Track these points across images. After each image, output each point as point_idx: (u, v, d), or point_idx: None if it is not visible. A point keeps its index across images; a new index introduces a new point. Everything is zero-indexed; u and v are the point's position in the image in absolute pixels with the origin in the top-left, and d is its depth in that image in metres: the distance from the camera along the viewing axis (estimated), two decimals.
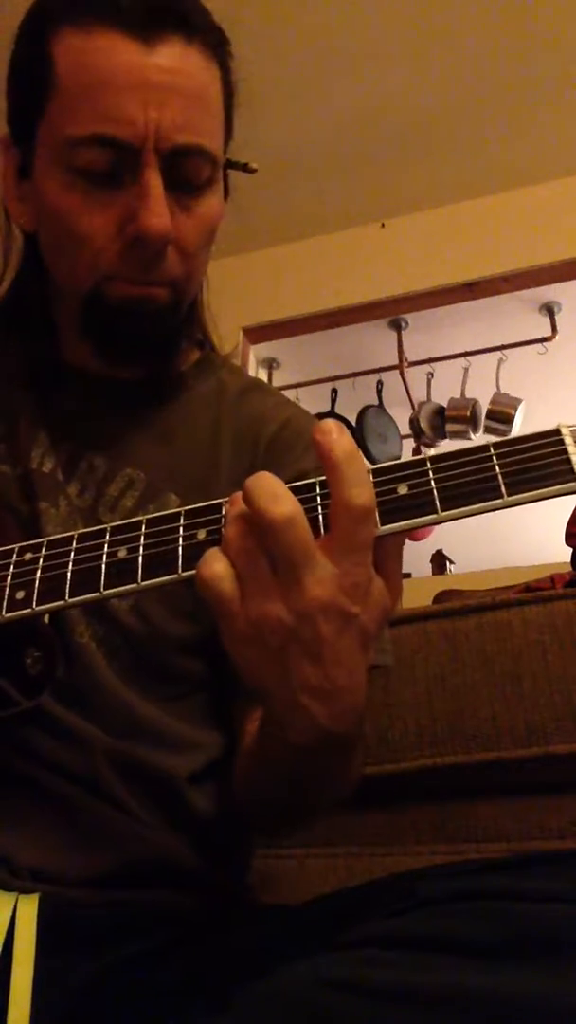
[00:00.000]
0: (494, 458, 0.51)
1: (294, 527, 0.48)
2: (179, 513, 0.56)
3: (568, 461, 0.50)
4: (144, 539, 0.56)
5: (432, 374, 3.54)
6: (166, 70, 0.69)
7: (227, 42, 0.76)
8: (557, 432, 0.51)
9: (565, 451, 0.50)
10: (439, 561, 3.82)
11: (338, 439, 0.49)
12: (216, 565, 0.50)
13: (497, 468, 0.51)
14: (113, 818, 0.70)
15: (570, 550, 1.83)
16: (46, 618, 0.66)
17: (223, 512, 0.54)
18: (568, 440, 0.50)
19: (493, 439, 0.53)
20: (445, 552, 3.83)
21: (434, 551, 3.84)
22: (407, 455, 3.46)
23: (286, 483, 0.51)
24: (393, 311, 3.26)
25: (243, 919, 0.71)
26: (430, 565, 3.84)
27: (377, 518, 0.51)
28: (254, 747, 0.68)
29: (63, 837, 0.69)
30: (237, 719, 0.77)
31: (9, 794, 0.69)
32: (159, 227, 0.70)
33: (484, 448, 0.52)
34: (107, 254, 0.72)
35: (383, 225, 3.20)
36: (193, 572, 0.51)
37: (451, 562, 3.81)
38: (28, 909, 0.64)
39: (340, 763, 0.62)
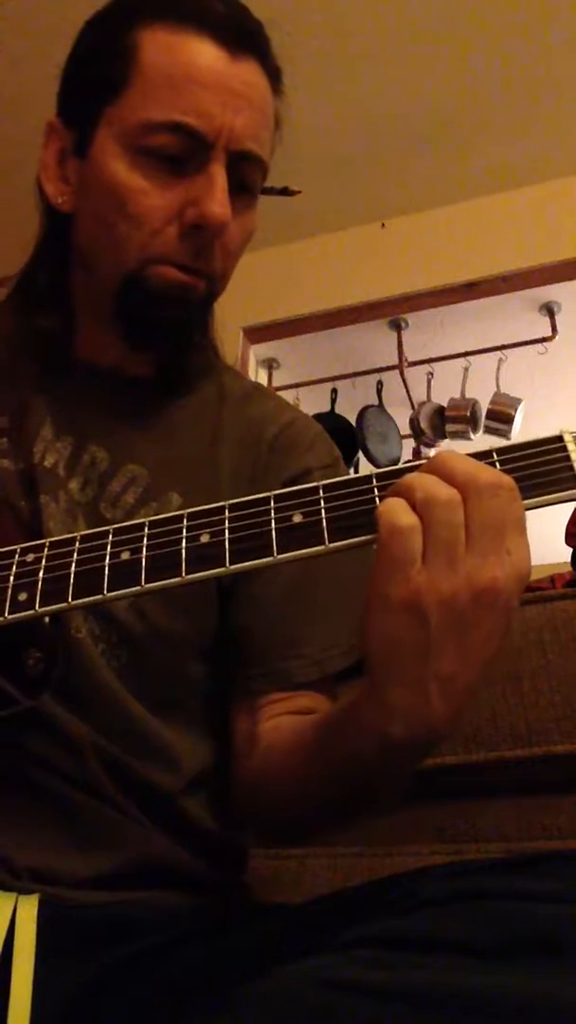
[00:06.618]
0: (497, 464, 0.52)
1: (501, 495, 0.46)
2: (182, 515, 0.56)
3: (571, 468, 0.50)
4: (147, 540, 0.56)
5: (432, 374, 3.52)
6: (246, 83, 0.74)
7: (282, 81, 0.81)
8: (560, 439, 0.52)
9: (568, 458, 0.51)
10: None
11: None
12: (406, 517, 0.47)
13: None
14: (110, 819, 0.70)
15: (570, 550, 1.82)
16: (46, 619, 0.66)
17: (226, 515, 0.54)
18: (571, 447, 0.51)
19: (493, 439, 0.53)
20: None
21: None
22: (407, 455, 3.45)
23: (290, 479, 0.51)
24: (393, 311, 3.25)
25: (243, 919, 0.71)
26: None
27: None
28: (301, 743, 0.67)
29: (62, 837, 0.69)
30: (242, 717, 0.77)
31: (8, 794, 0.69)
32: (221, 215, 0.73)
33: (488, 453, 0.52)
34: (162, 236, 0.74)
35: (383, 225, 3.19)
36: (196, 575, 0.50)
37: None
38: (28, 909, 0.64)
39: (403, 774, 0.60)
